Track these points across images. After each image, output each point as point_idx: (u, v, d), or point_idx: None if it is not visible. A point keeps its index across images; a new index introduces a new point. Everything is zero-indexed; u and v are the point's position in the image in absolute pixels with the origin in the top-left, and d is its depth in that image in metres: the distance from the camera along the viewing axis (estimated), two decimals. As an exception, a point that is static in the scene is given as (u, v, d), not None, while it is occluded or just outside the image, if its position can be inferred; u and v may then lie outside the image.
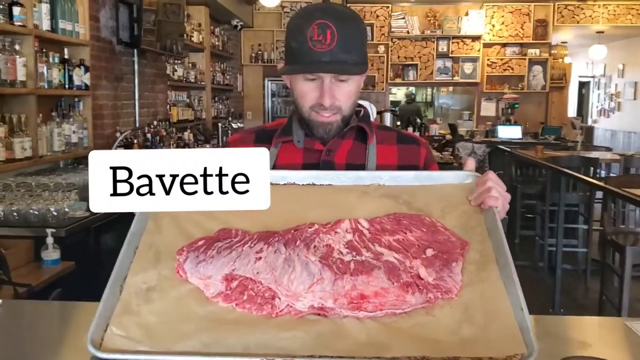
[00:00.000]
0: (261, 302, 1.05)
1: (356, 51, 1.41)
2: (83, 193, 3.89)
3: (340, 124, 1.47)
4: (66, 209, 3.37)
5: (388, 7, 10.79)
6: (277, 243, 1.13)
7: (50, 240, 3.05)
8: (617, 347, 1.11)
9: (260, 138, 1.59)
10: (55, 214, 3.30)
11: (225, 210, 1.26)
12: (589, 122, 14.38)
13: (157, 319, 1.05)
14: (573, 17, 10.64)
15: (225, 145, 1.64)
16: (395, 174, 1.36)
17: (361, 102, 1.97)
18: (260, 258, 1.11)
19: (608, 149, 8.22)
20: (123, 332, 1.02)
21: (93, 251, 3.56)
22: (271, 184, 1.33)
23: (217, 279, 1.09)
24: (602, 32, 11.19)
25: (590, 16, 10.57)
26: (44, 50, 3.86)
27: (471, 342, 0.98)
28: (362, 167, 1.50)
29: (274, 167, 1.50)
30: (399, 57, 11.00)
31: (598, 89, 14.44)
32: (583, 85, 15.41)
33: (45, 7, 3.83)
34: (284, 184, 1.35)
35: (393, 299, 1.04)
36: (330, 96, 1.41)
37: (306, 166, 1.49)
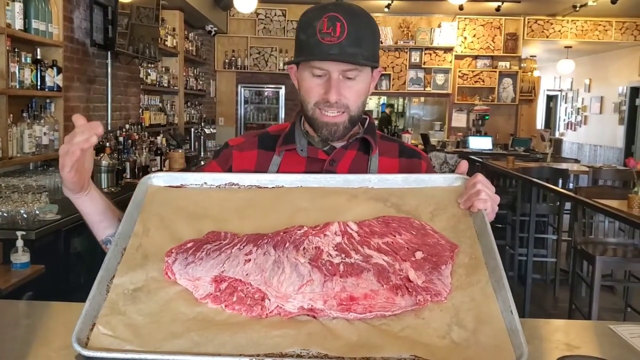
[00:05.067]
0: (251, 304, 1.04)
1: (367, 47, 1.37)
2: (54, 195, 3.82)
3: (347, 124, 1.41)
4: (36, 212, 3.30)
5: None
6: (266, 245, 1.12)
7: (20, 243, 2.98)
8: (604, 350, 1.13)
9: (264, 144, 1.53)
10: (25, 216, 3.23)
11: (214, 213, 1.26)
12: (556, 135, 14.65)
13: (144, 319, 1.03)
14: (542, 32, 10.85)
15: (226, 144, 1.58)
16: (383, 177, 1.35)
17: None
18: (249, 260, 1.10)
19: (576, 161, 8.38)
20: (110, 332, 1.01)
21: (63, 255, 3.49)
22: (259, 187, 1.33)
23: (206, 281, 1.08)
24: (570, 47, 11.44)
25: (559, 31, 10.79)
26: (16, 50, 3.78)
27: (461, 346, 0.98)
28: None
29: None
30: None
31: (565, 102, 14.74)
32: (551, 99, 15.71)
33: (18, 6, 3.76)
34: (273, 187, 1.34)
35: (382, 301, 1.04)
36: (337, 92, 1.36)
37: None
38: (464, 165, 1.36)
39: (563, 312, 4.76)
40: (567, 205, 5.55)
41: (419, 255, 1.12)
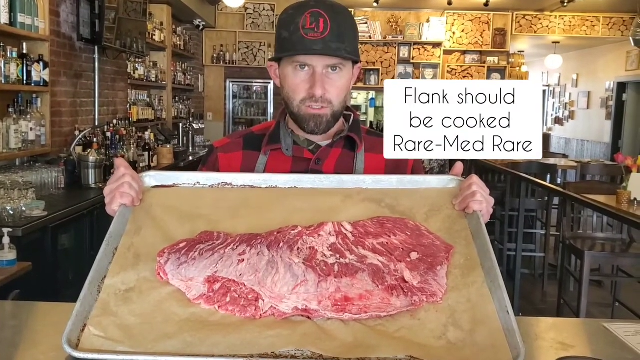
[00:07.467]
0: (244, 304, 1.03)
1: (349, 42, 1.40)
2: (40, 192, 3.78)
3: (330, 118, 1.43)
4: (23, 208, 3.26)
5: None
6: (260, 245, 1.11)
7: (6, 240, 2.94)
8: (599, 348, 1.12)
9: (249, 144, 1.54)
10: (11, 212, 3.19)
11: (207, 213, 1.24)
12: (544, 130, 14.72)
13: (137, 320, 1.02)
14: (530, 27, 10.88)
15: (211, 148, 1.58)
16: (378, 178, 1.35)
17: None
18: (243, 260, 1.08)
19: (564, 156, 8.42)
20: (101, 333, 0.99)
21: (50, 252, 3.45)
22: (253, 187, 1.32)
23: (200, 281, 1.06)
24: (558, 42, 11.48)
25: (547, 26, 10.82)
26: (2, 44, 3.73)
27: (457, 346, 0.97)
28: None
29: None
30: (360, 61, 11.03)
31: (553, 97, 14.80)
32: (538, 94, 15.73)
33: (3, 0, 3.71)
34: (266, 187, 1.32)
35: (378, 301, 1.03)
36: (322, 86, 1.39)
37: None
38: (459, 167, 1.36)
39: (552, 307, 4.79)
40: (556, 200, 5.58)
41: (414, 256, 1.11)
